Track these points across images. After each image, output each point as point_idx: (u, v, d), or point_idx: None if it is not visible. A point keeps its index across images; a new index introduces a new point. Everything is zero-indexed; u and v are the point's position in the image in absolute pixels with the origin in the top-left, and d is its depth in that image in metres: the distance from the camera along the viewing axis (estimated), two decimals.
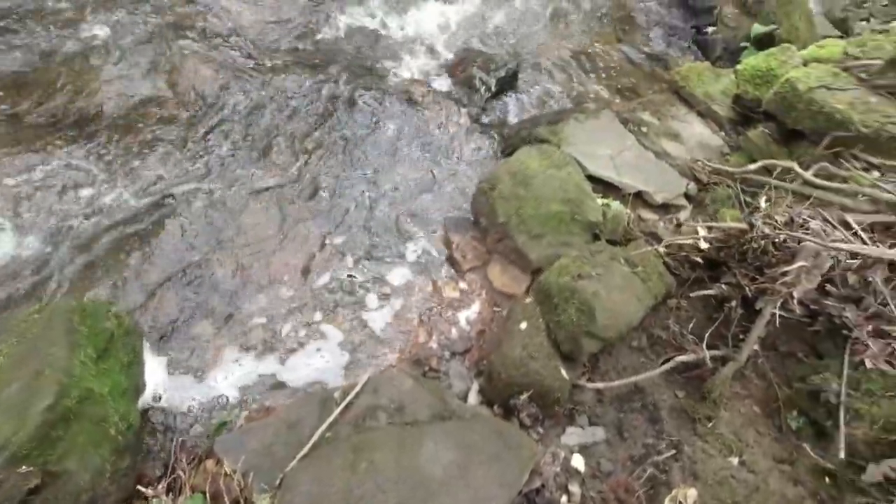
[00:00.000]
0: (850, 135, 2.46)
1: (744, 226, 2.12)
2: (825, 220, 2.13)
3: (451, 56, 4.20)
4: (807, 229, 2.12)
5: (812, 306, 2.07)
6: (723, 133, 3.54)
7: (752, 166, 2.32)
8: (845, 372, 1.93)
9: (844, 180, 2.22)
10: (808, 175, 2.20)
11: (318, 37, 4.00)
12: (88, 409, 1.73)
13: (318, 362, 2.48)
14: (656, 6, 5.45)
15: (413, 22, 4.40)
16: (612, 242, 2.70)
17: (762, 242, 2.06)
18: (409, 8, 4.45)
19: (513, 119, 3.82)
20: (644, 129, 3.46)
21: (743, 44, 4.97)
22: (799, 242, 1.99)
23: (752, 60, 3.07)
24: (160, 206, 2.84)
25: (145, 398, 2.21)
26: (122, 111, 3.16)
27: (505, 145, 3.49)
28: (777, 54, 3.02)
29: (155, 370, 2.31)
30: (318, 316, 2.63)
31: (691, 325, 2.34)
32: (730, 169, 2.42)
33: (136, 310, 2.47)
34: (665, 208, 2.97)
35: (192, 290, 2.60)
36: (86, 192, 2.81)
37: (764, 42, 4.88)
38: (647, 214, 2.91)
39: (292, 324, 2.57)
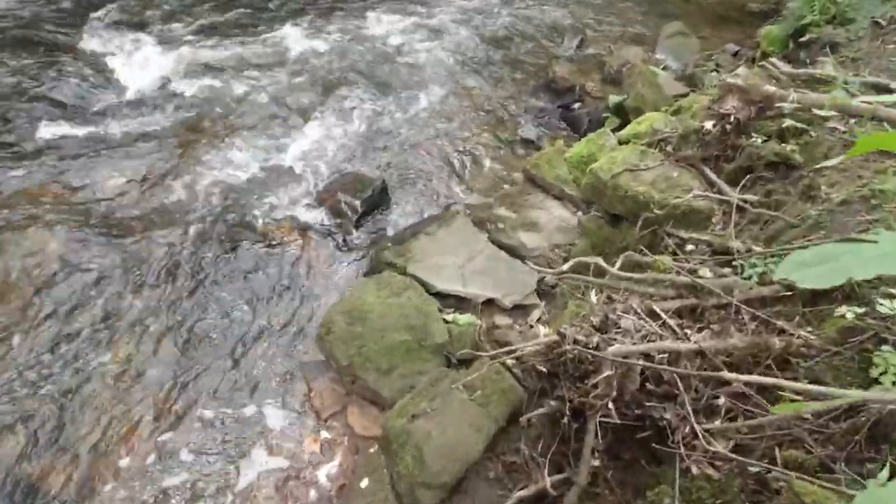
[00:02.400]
0: (658, 213, 2.51)
1: (555, 337, 2.07)
2: (636, 313, 2.10)
3: (320, 184, 4.30)
4: (619, 327, 2.07)
5: (636, 410, 1.98)
6: (580, 212, 3.61)
7: (566, 266, 2.32)
8: (677, 481, 1.80)
9: (649, 267, 2.23)
10: (614, 270, 2.19)
11: (181, 194, 4.06)
12: None
13: None
14: (526, 97, 5.80)
15: (283, 155, 4.54)
16: (463, 362, 2.61)
17: (576, 352, 2.00)
18: (276, 142, 4.62)
19: (380, 239, 3.85)
20: (500, 226, 3.50)
21: (605, 114, 5.28)
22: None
23: (576, 147, 3.20)
24: None
25: None
26: None
27: (367, 269, 3.48)
28: (595, 139, 3.16)
29: None
30: None
31: (541, 444, 2.20)
32: (548, 270, 2.42)
33: None
34: (521, 309, 2.92)
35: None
36: None
37: (620, 111, 5.19)
38: (502, 319, 2.86)
39: None
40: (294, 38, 6.05)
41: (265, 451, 2.63)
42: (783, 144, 2.54)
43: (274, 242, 3.69)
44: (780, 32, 4.84)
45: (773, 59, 3.72)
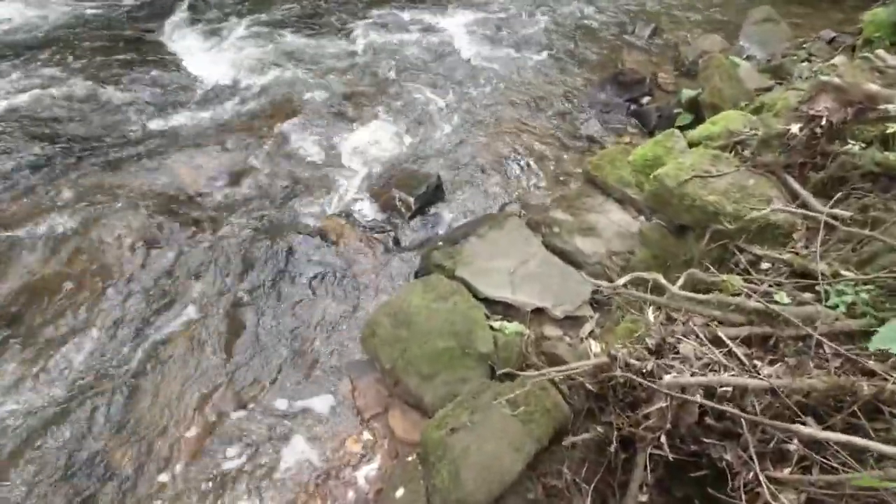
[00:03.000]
0: (730, 226, 2.27)
1: (605, 359, 1.93)
2: (697, 337, 1.91)
3: (376, 179, 4.31)
4: (677, 352, 1.90)
5: (692, 445, 1.81)
6: (643, 218, 3.38)
7: (622, 280, 2.15)
8: None
9: (716, 287, 2.01)
10: (675, 288, 2.00)
11: (246, 187, 4.20)
12: None
13: None
14: (591, 89, 5.52)
15: (341, 150, 4.59)
16: (508, 375, 2.52)
17: (627, 376, 1.86)
18: (336, 136, 4.68)
19: (432, 237, 3.80)
20: (556, 229, 3.35)
21: (676, 110, 4.93)
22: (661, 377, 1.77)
23: (641, 150, 2.97)
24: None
25: None
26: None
27: (418, 268, 3.45)
28: (662, 141, 2.92)
29: None
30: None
31: (585, 469, 2.08)
32: (603, 284, 2.26)
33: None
34: (572, 320, 2.78)
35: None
36: None
37: (693, 106, 4.81)
38: (551, 330, 2.73)
39: None
40: (359, 31, 6.10)
41: (309, 446, 2.68)
42: (886, 153, 2.22)
43: (329, 238, 3.74)
44: (888, 17, 4.28)
45: (879, 51, 3.28)
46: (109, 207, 3.82)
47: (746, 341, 1.88)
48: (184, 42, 5.63)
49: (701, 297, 1.95)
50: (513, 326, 2.66)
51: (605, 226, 3.35)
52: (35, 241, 3.57)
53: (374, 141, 4.70)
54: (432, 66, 5.64)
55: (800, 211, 2.23)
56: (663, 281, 2.04)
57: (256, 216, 3.90)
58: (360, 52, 5.82)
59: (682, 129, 4.79)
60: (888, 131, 2.26)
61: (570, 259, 3.15)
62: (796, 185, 2.31)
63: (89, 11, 6.04)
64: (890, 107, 2.30)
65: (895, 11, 4.24)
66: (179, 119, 4.75)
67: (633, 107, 5.29)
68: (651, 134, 5.06)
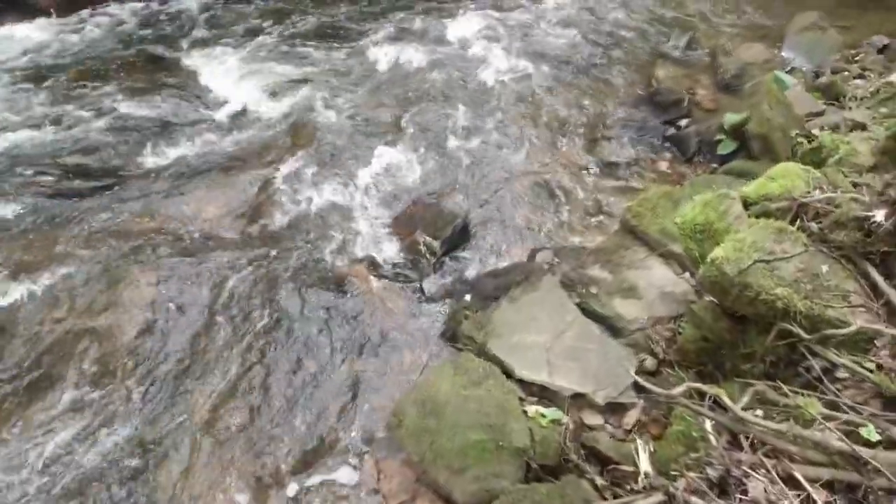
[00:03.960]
0: (801, 324, 2.02)
1: (662, 497, 1.72)
2: (768, 472, 1.69)
3: (397, 214, 4.11)
4: (745, 492, 1.68)
5: None
6: (688, 275, 3.13)
7: (677, 390, 1.93)
8: None
9: (786, 412, 1.78)
10: (738, 409, 1.78)
11: (262, 224, 4.03)
12: None
13: None
14: (623, 110, 5.20)
15: (360, 180, 4.38)
16: (545, 467, 2.33)
17: None
18: (355, 165, 4.47)
19: (460, 288, 3.59)
20: (593, 290, 3.12)
21: (718, 137, 4.59)
22: None
23: (690, 212, 2.70)
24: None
25: None
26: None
27: (444, 328, 3.25)
28: (714, 203, 2.64)
29: None
30: None
31: None
32: (654, 388, 2.03)
33: None
34: (616, 405, 2.57)
35: None
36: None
37: (737, 132, 4.48)
38: (592, 418, 2.52)
39: None
40: (374, 47, 5.83)
41: None
42: None
43: (350, 288, 3.56)
44: None
45: None
46: (121, 251, 3.69)
47: (829, 486, 1.65)
48: (198, 64, 5.43)
49: (773, 425, 1.72)
50: (550, 413, 2.46)
51: (646, 284, 3.11)
52: (48, 292, 3.45)
53: (393, 171, 4.49)
54: (451, 84, 5.36)
55: (883, 309, 1.97)
56: (726, 399, 1.81)
57: (274, 260, 3.74)
58: (376, 70, 5.56)
59: (725, 158, 4.49)
60: None
61: (610, 324, 2.93)
62: (879, 279, 2.04)
63: (98, 33, 5.86)
64: None
65: None
66: (194, 149, 4.58)
67: (669, 130, 4.97)
68: (689, 161, 4.75)
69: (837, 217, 2.24)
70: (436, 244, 3.67)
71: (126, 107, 4.83)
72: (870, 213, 2.12)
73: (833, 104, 4.70)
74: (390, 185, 4.34)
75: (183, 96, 5.05)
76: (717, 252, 2.23)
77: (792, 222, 2.51)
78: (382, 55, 5.72)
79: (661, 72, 5.73)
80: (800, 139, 4.06)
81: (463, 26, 6.25)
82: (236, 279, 3.58)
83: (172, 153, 4.49)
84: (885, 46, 5.57)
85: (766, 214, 2.61)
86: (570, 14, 6.49)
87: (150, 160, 4.41)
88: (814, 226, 2.36)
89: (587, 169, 4.64)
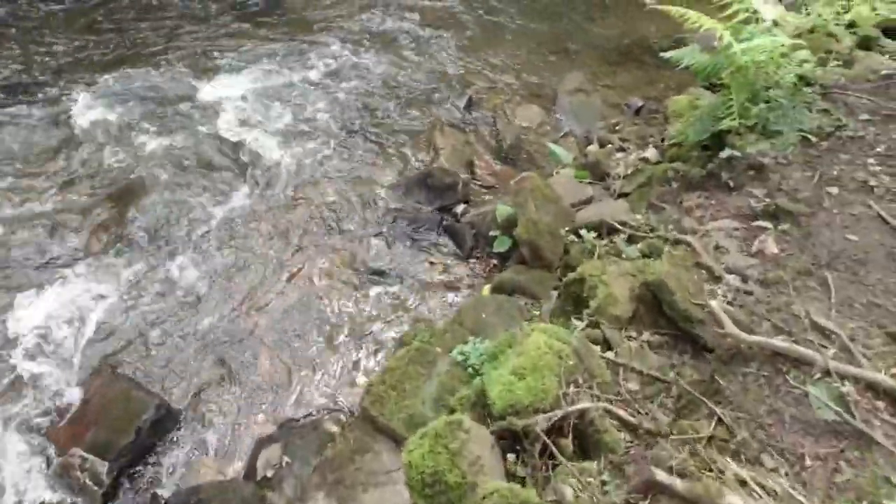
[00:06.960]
0: None
1: None
2: None
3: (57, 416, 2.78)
4: None
5: None
6: None
7: None
8: None
9: None
10: None
11: None
12: None
13: None
14: (397, 194, 4.48)
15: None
16: None
17: None
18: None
19: None
20: None
21: (493, 232, 4.05)
22: None
23: (416, 452, 1.91)
24: None
25: None
26: None
27: None
28: (444, 438, 1.90)
29: None
30: None
31: None
32: None
33: None
34: None
35: None
36: None
37: (511, 225, 3.95)
38: None
39: None
40: (77, 107, 4.28)
41: None
42: None
43: None
44: (694, 134, 3.89)
45: None
46: None
47: None
48: None
49: None
50: None
51: None
52: None
53: (62, 321, 3.13)
54: (185, 166, 4.13)
55: None
56: None
57: None
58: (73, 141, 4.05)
59: (502, 257, 3.99)
60: None
61: None
62: None
63: None
64: None
65: (699, 129, 3.87)
66: None
67: (445, 220, 4.37)
68: (468, 258, 4.20)
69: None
70: (102, 468, 2.46)
71: None
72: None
73: (599, 184, 4.56)
74: (54, 358, 2.97)
75: None
76: None
77: (542, 452, 1.91)
78: (82, 121, 4.21)
79: (441, 140, 5.17)
80: (569, 237, 3.74)
81: (205, 84, 5.00)
82: None
83: None
84: (639, 108, 5.74)
85: (515, 437, 1.99)
86: (336, 72, 5.64)
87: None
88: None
89: (351, 283, 3.79)
